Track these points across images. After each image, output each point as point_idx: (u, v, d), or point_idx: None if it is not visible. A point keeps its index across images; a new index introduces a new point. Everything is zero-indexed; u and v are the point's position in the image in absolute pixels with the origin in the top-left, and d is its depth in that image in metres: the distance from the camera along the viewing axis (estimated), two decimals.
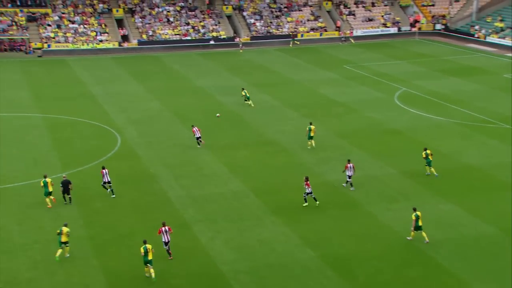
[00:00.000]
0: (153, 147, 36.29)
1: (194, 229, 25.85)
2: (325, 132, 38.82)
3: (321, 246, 24.38)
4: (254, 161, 34.04)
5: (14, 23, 67.53)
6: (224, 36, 72.83)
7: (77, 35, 68.63)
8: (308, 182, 27.86)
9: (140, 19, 72.84)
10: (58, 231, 23.31)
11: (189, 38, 71.64)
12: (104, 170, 29.10)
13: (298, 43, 72.08)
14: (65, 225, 23.52)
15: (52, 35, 67.58)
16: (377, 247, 24.20)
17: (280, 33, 74.48)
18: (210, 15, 75.81)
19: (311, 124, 36.06)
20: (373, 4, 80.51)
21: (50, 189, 27.51)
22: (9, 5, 69.87)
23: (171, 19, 73.98)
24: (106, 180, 28.85)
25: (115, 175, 31.13)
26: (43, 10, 70.39)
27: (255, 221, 26.60)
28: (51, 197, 27.52)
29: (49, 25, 69.04)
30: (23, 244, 24.24)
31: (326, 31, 75.54)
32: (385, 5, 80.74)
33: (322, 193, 29.09)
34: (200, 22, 74.34)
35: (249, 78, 54.94)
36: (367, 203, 28.15)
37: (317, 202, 27.89)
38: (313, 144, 35.56)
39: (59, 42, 67.04)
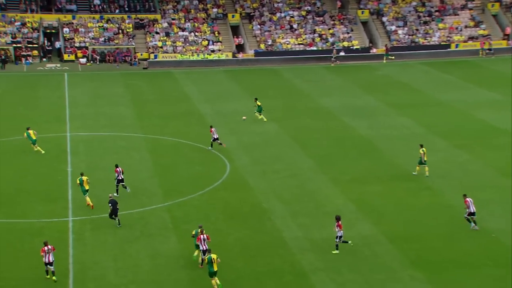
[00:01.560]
0: (267, 177, 36.64)
1: (313, 279, 25.52)
2: (483, 167, 36.99)
3: None
4: (389, 199, 33.16)
5: (120, 31, 72.66)
6: (358, 47, 72.45)
7: (187, 44, 72.10)
8: (340, 222, 26.88)
9: (258, 26, 74.84)
10: (193, 232, 26.98)
11: (314, 48, 72.22)
12: (118, 169, 33.36)
13: (393, 57, 69.35)
14: (201, 228, 26.74)
15: (159, 44, 71.63)
16: None
17: (428, 43, 72.62)
18: (341, 21, 75.89)
19: (422, 146, 35.80)
20: None
21: (87, 187, 31.93)
22: (117, 10, 75.41)
23: (295, 25, 75.12)
24: (120, 178, 33.20)
25: (222, 207, 31.76)
26: (151, 16, 75.02)
27: (389, 274, 25.79)
28: (88, 199, 31.66)
29: (157, 32, 73.27)
30: (118, 285, 25.36)
31: (489, 39, 72.23)
32: None
33: (477, 244, 27.48)
34: (329, 29, 74.69)
35: (386, 98, 54.00)
36: None
37: (350, 242, 27.30)
38: (427, 173, 35.13)
39: (167, 52, 70.81)
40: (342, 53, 70.93)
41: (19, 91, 56.64)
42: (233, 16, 75.50)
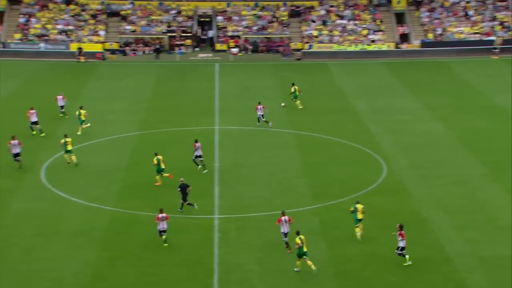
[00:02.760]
0: (429, 183, 35.58)
1: None
2: None
3: None
4: None
5: (275, 19, 73.93)
6: None
7: (345, 33, 71.74)
8: (403, 232, 26.43)
9: (427, 13, 72.63)
10: (352, 208, 29.00)
11: (493, 38, 68.62)
12: (197, 144, 36.37)
13: None
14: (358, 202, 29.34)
15: (315, 33, 71.92)
16: None
17: None
18: None
19: None
20: None
21: (163, 166, 34.56)
22: None
23: (471, 12, 71.88)
24: (198, 154, 35.84)
25: (376, 214, 31.21)
26: (308, 3, 75.53)
27: None
28: (166, 174, 34.39)
29: (313, 21, 73.64)
30: None
31: None
32: None
33: None
34: None
35: None
36: None
37: (408, 261, 26.42)
38: None
39: (322, 42, 70.92)
40: None
41: (170, 82, 59.57)
42: (398, 2, 73.84)
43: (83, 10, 73.51)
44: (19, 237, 29.31)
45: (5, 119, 46.74)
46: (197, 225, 30.99)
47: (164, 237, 28.61)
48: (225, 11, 75.05)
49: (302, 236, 26.57)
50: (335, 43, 70.89)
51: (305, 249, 26.37)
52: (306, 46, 70.69)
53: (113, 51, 69.87)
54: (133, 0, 75.17)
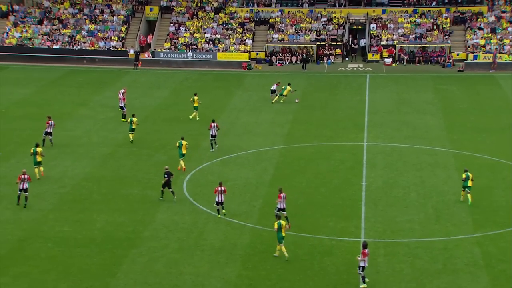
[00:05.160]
0: None
1: None
2: None
3: None
4: None
5: (435, 27, 72.20)
6: None
7: None
8: (367, 251, 26.64)
9: None
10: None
11: None
12: (213, 124, 42.80)
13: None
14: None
15: (482, 42, 69.42)
16: None
17: None
18: None
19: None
20: None
21: (184, 151, 38.42)
22: (433, 3, 75.12)
23: None
24: (213, 134, 41.67)
25: None
26: (475, 9, 73.09)
27: None
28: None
29: (480, 28, 71.12)
30: None
31: None
32: None
33: None
34: None
35: None
36: None
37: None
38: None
39: (490, 52, 68.23)
40: None
41: (317, 93, 59.83)
42: None
43: (231, 19, 75.82)
44: (165, 250, 30.51)
45: (154, 128, 49.01)
46: (342, 248, 30.73)
47: None
48: (380, 18, 74.40)
49: (282, 222, 29.20)
50: (505, 53, 67.94)
51: (283, 234, 28.95)
52: (471, 56, 68.34)
53: (259, 61, 71.40)
54: (283, 7, 76.48)
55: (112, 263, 29.23)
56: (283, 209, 32.47)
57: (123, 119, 49.74)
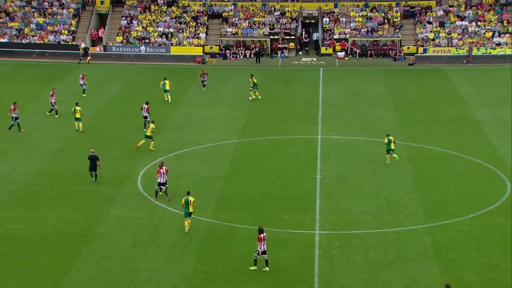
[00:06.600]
0: None
1: None
2: None
3: None
4: None
5: (386, 21, 73.04)
6: None
7: (465, 36, 69.89)
8: (262, 236, 27.38)
9: None
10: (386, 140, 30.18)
11: None
12: (144, 105, 42.76)
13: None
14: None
15: (431, 35, 70.51)
16: None
17: None
18: None
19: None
20: None
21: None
22: None
23: None
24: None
25: (499, 237, 30.13)
26: (425, 3, 74.14)
27: None
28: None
29: (429, 22, 72.23)
30: None
31: None
32: None
33: None
34: None
35: None
36: None
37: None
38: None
39: (439, 46, 69.40)
40: None
41: (271, 87, 59.98)
42: None
43: (184, 12, 75.47)
44: (119, 246, 30.27)
45: (107, 123, 48.54)
46: (297, 241, 30.93)
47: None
48: (332, 12, 74.92)
49: (190, 198, 30.51)
50: (453, 46, 69.18)
51: (191, 210, 30.54)
52: (421, 50, 69.39)
53: (213, 55, 71.26)
54: (236, 1, 76.44)
55: (65, 260, 28.91)
56: (164, 184, 34.52)
57: (84, 95, 54.86)
